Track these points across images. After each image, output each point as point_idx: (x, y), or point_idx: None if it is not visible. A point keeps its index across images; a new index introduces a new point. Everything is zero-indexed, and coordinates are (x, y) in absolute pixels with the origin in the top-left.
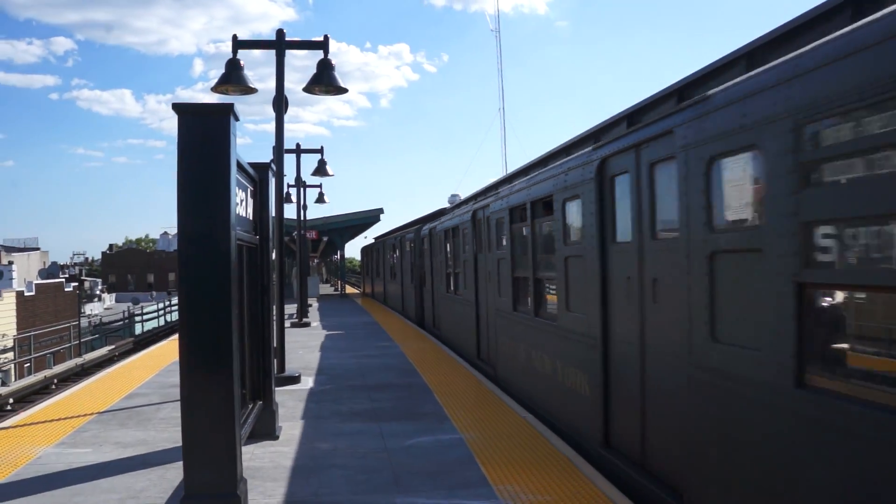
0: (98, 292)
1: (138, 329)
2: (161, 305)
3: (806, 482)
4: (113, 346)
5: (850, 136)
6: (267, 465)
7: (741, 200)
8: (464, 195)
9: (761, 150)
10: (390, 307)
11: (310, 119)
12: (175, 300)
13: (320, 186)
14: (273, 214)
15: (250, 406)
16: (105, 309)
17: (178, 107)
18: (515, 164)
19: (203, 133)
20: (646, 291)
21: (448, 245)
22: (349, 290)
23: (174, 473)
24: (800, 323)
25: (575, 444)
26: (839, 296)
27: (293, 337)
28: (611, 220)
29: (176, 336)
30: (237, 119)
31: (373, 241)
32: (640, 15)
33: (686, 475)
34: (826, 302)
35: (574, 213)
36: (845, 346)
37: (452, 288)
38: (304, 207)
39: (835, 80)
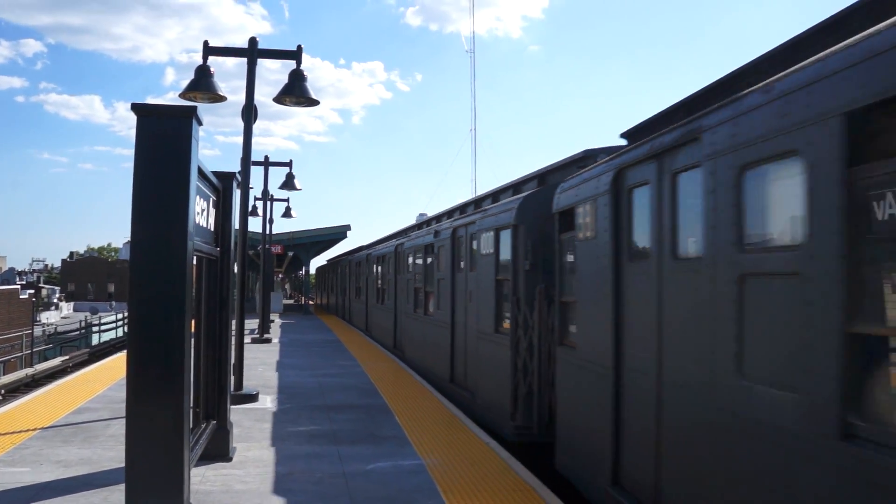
0: (55, 300)
1: (95, 339)
2: (120, 316)
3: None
4: (67, 357)
5: None
6: (217, 489)
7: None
8: (431, 214)
9: None
10: (331, 312)
11: (280, 133)
12: None
13: (287, 200)
14: (237, 227)
15: (203, 426)
16: (62, 318)
17: (137, 107)
18: (484, 184)
19: (163, 135)
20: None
21: (358, 271)
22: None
23: (119, 496)
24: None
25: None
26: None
27: (253, 353)
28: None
29: None
30: (200, 123)
31: (325, 263)
32: (613, 43)
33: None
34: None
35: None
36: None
37: (356, 296)
38: (271, 221)
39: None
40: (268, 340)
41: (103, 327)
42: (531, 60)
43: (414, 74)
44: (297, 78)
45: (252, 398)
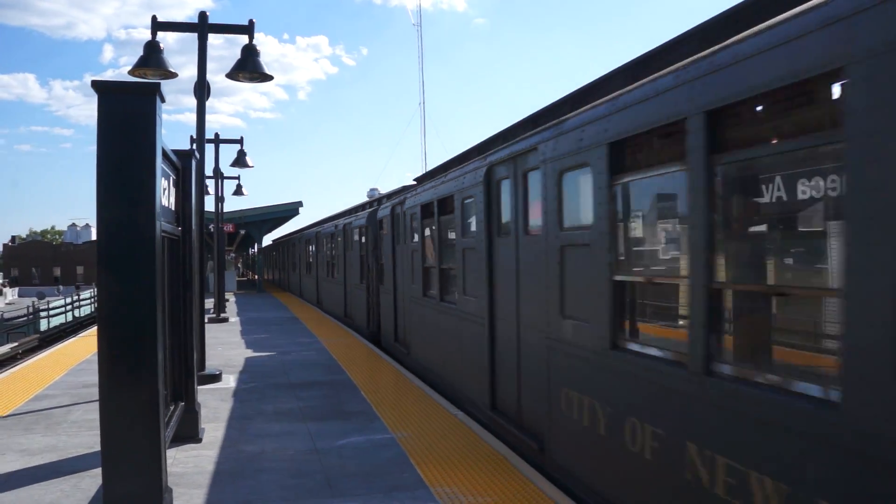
0: None
1: (44, 325)
2: (69, 300)
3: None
4: (16, 344)
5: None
6: (190, 471)
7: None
8: (383, 190)
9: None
10: (276, 286)
11: (225, 110)
12: (84, 294)
13: (238, 178)
14: (194, 205)
15: (172, 407)
16: (7, 304)
17: (98, 84)
18: (434, 159)
19: (127, 114)
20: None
21: (293, 251)
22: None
23: (89, 482)
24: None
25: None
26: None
27: (211, 333)
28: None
29: (87, 332)
30: (163, 100)
31: (269, 243)
32: (557, 16)
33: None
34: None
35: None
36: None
37: (292, 269)
38: (222, 199)
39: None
40: (225, 320)
41: (52, 312)
42: (477, 33)
43: (359, 48)
44: (250, 53)
45: (216, 378)
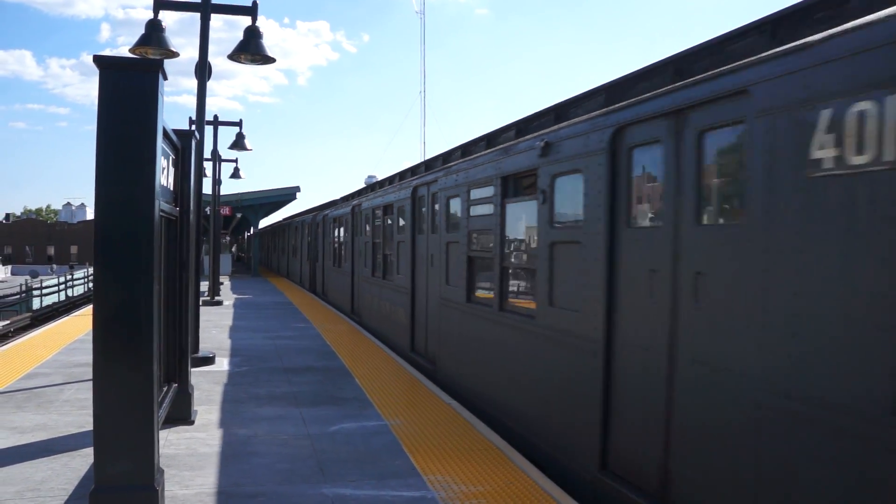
0: None
1: (36, 304)
2: (62, 279)
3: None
4: (8, 322)
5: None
6: (182, 453)
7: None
8: (380, 177)
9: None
10: (271, 270)
11: (223, 93)
12: (78, 274)
13: (236, 161)
14: (193, 186)
15: (165, 388)
16: (0, 282)
17: (100, 60)
18: (433, 147)
19: (128, 90)
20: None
21: (288, 235)
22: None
23: (80, 461)
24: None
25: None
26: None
27: (205, 315)
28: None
29: (80, 311)
30: (165, 78)
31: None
32: (559, 8)
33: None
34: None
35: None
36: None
37: (295, 255)
38: (219, 182)
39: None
40: (219, 303)
41: (45, 291)
42: (479, 23)
43: (360, 35)
44: (252, 35)
45: (209, 361)
